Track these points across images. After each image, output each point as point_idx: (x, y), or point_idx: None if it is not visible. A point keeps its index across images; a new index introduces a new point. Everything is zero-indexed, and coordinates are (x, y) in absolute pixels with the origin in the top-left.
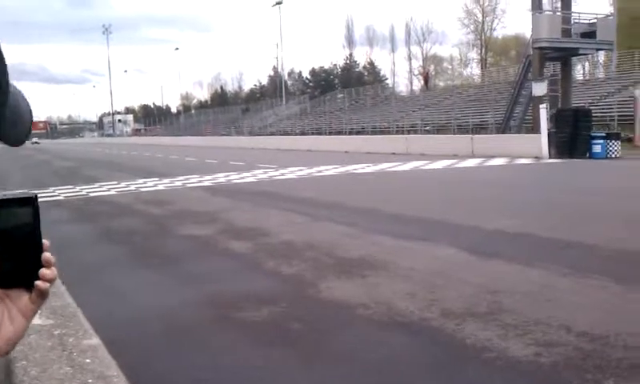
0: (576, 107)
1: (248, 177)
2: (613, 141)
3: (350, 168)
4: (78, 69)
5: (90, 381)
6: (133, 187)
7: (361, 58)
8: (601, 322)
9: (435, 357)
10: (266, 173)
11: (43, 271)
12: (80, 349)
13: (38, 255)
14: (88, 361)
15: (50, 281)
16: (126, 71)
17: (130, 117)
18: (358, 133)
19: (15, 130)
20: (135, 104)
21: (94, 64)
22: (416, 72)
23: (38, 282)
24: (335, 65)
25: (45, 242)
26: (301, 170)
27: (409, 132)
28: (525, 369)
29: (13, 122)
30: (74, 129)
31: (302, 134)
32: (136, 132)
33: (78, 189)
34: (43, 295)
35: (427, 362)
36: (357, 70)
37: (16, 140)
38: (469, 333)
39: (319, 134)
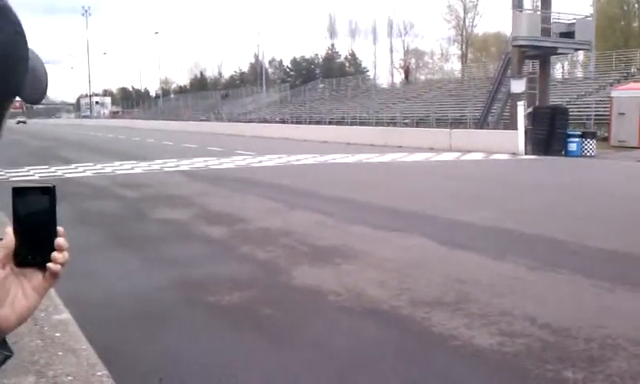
0: (553, 105)
1: (226, 163)
2: (588, 139)
3: (329, 158)
4: (56, 49)
5: (60, 353)
6: (109, 169)
7: (343, 49)
8: (565, 314)
9: (403, 344)
10: (244, 159)
11: (55, 255)
12: (51, 323)
13: (52, 240)
14: (58, 335)
15: (62, 264)
16: (105, 53)
17: (108, 99)
18: (337, 123)
19: (34, 91)
20: (114, 87)
21: (73, 45)
22: (397, 65)
23: (50, 264)
24: (317, 55)
25: (59, 228)
26: (279, 157)
27: (388, 124)
28: (488, 357)
29: (32, 84)
30: (50, 109)
31: (282, 122)
32: (114, 114)
33: (53, 169)
34: (55, 276)
35: (395, 350)
36: (338, 60)
37: (33, 99)
38: (436, 321)
39: (299, 122)
